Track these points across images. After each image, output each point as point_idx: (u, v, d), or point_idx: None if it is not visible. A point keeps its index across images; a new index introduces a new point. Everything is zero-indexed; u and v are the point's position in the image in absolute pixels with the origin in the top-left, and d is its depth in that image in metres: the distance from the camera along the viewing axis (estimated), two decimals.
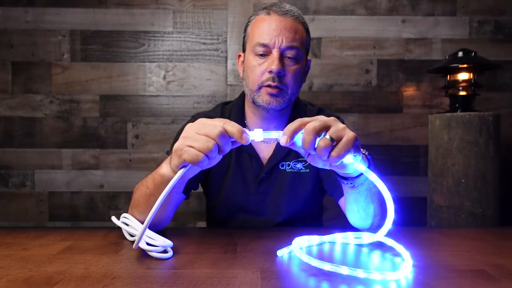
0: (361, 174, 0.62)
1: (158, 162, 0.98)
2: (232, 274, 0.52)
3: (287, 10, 0.84)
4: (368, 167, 0.61)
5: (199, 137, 0.53)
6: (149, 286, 0.47)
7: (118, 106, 1.72)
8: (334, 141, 0.52)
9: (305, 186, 0.91)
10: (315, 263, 0.52)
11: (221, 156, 0.56)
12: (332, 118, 0.54)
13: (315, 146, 0.52)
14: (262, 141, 0.56)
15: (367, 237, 0.65)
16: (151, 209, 0.54)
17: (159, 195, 0.54)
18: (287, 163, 0.90)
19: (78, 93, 1.71)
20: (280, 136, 0.54)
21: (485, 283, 0.49)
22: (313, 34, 1.72)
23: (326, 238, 0.67)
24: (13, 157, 1.72)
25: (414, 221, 1.70)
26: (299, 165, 0.90)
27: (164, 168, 0.63)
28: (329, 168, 0.58)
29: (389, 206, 0.56)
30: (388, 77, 1.73)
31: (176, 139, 0.95)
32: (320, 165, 0.58)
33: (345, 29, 1.72)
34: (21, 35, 1.69)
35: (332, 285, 0.48)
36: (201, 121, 0.56)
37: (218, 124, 0.53)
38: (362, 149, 0.60)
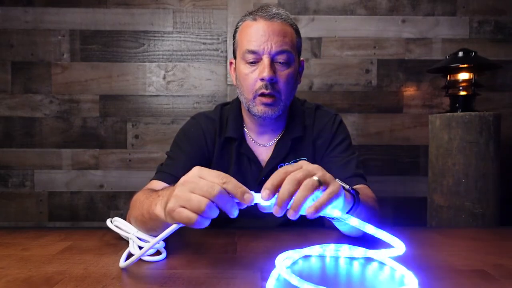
0: (347, 212, 0.58)
1: (157, 162, 0.98)
2: (232, 274, 0.51)
3: (274, 14, 0.82)
4: (354, 204, 0.58)
5: (190, 196, 0.47)
6: (149, 286, 0.47)
7: (118, 106, 1.72)
8: (322, 185, 0.48)
9: None
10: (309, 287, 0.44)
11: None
12: (316, 166, 0.50)
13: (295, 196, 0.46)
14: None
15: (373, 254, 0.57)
16: (149, 233, 0.62)
17: (157, 227, 0.58)
18: (285, 164, 0.90)
19: (78, 93, 1.71)
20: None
21: (485, 283, 0.49)
22: (313, 34, 1.72)
23: (314, 251, 0.60)
24: (13, 157, 1.71)
25: (414, 221, 1.70)
26: None
27: (159, 210, 0.55)
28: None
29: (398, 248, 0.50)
30: (388, 77, 1.73)
31: (175, 142, 0.95)
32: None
33: (345, 29, 1.72)
34: (21, 35, 1.69)
35: None
36: (197, 173, 0.49)
37: (217, 183, 0.47)
38: (345, 185, 0.57)
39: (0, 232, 0.74)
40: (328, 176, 0.50)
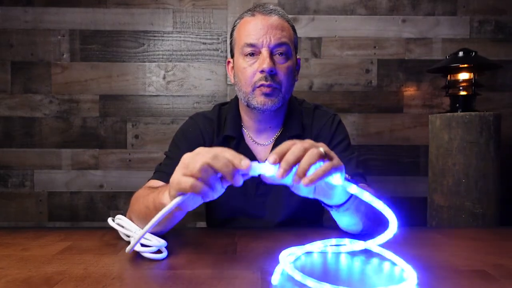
0: (346, 201, 0.61)
1: (157, 162, 0.98)
2: (232, 274, 0.51)
3: (272, 9, 0.84)
4: (350, 196, 0.61)
5: (194, 160, 0.50)
6: (148, 286, 0.47)
7: (117, 106, 1.72)
8: (326, 157, 0.51)
9: None
10: (312, 283, 0.45)
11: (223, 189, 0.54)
12: (322, 143, 0.54)
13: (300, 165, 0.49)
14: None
15: (369, 245, 0.59)
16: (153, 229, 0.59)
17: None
18: None
19: (78, 93, 1.71)
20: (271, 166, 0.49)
21: (485, 283, 0.49)
22: (313, 34, 1.72)
23: (316, 247, 0.61)
24: (13, 157, 1.71)
25: (414, 221, 1.70)
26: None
27: (165, 197, 0.58)
28: (312, 197, 0.58)
29: (391, 222, 0.52)
30: (388, 77, 1.73)
31: (173, 142, 0.95)
32: (304, 192, 0.57)
33: (345, 29, 1.72)
34: (21, 35, 1.69)
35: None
36: (196, 151, 0.52)
37: (213, 152, 0.50)
38: (346, 175, 0.59)
39: (0, 232, 0.74)
40: (332, 152, 0.53)
